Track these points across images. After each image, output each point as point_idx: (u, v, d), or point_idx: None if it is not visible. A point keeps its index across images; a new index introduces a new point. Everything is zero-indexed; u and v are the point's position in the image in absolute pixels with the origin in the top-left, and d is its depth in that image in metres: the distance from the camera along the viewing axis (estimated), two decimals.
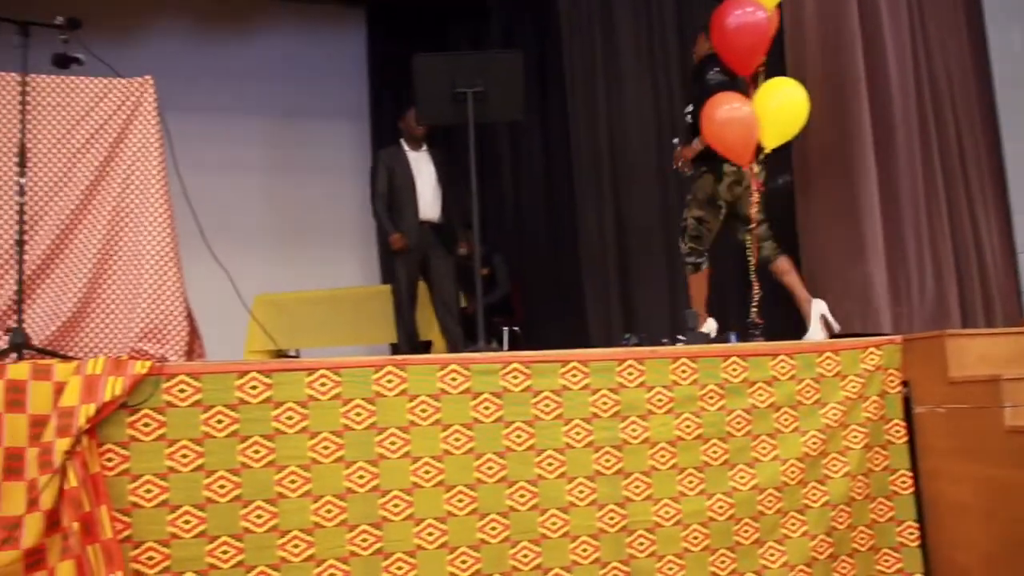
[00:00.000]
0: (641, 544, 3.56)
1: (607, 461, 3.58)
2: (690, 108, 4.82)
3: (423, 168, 5.57)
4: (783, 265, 4.66)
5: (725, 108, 4.48)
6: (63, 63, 3.56)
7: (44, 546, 2.94)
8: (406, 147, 5.62)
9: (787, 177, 5.09)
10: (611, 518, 3.54)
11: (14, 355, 3.24)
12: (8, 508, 2.92)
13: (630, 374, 3.66)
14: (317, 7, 7.84)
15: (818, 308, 4.51)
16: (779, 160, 4.87)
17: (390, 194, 5.57)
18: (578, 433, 3.56)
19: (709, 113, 4.50)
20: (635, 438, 3.62)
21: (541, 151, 7.00)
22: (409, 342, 5.53)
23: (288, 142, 7.74)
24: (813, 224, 4.83)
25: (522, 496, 3.46)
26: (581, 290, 6.02)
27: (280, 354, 5.97)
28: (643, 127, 5.91)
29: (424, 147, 5.63)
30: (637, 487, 3.60)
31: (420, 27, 7.59)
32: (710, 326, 4.69)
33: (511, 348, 6.31)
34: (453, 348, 5.45)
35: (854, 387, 3.95)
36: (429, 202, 5.57)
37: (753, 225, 4.60)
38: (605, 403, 3.61)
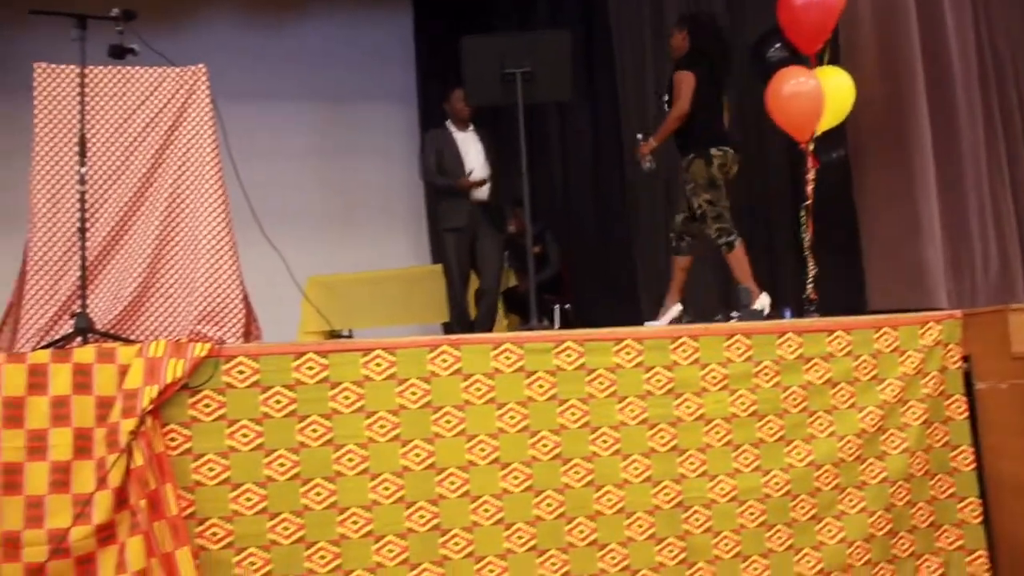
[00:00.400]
0: (697, 520, 3.56)
1: (662, 438, 3.57)
2: (667, 97, 4.87)
3: (470, 148, 5.56)
4: (681, 262, 4.88)
5: (792, 82, 4.45)
6: (119, 54, 3.63)
7: (114, 522, 3.04)
8: (452, 128, 5.62)
9: (841, 151, 5.01)
10: (666, 494, 3.55)
11: (79, 339, 3.33)
12: (80, 485, 3.02)
13: (684, 351, 3.65)
14: None
15: (673, 311, 4.75)
16: (832, 134, 4.80)
17: (439, 175, 5.58)
18: (632, 410, 3.56)
19: (775, 88, 4.46)
20: (690, 415, 3.61)
21: (590, 130, 6.96)
22: (460, 322, 5.55)
23: (337, 126, 7.80)
24: (869, 200, 4.75)
25: (577, 473, 3.48)
26: (632, 268, 5.99)
27: (333, 334, 6.04)
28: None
29: (471, 127, 5.62)
30: (692, 464, 3.59)
31: (467, 9, 7.58)
32: (763, 301, 4.65)
33: (562, 326, 6.31)
34: (481, 325, 5.45)
35: (913, 363, 3.89)
36: (482, 185, 5.56)
37: (808, 201, 4.56)
38: (659, 380, 3.60)
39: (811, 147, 4.56)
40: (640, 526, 3.51)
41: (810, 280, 4.58)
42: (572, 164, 7.21)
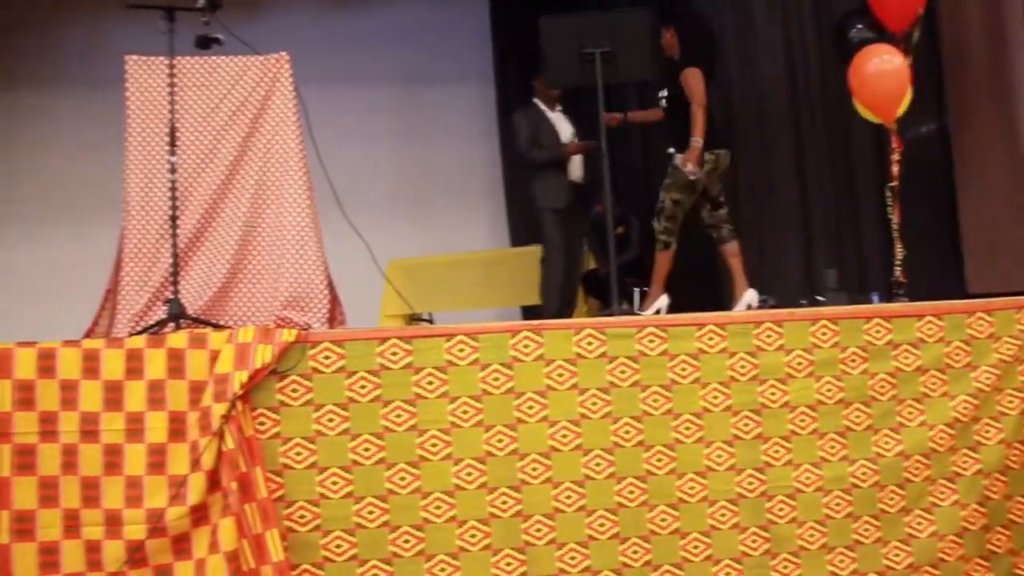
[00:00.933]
0: (781, 510, 3.50)
1: (745, 426, 3.52)
2: (664, 93, 4.96)
3: (563, 128, 5.50)
4: (732, 248, 5.01)
5: (875, 60, 4.32)
6: (205, 44, 3.71)
7: (207, 503, 3.13)
8: (542, 107, 5.55)
9: (932, 125, 4.85)
10: (750, 483, 3.50)
11: (172, 324, 3.43)
12: (175, 467, 3.12)
13: (768, 337, 3.58)
14: None
15: (748, 297, 4.78)
16: (922, 107, 4.64)
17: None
18: (716, 397, 3.51)
19: (858, 67, 4.34)
20: (774, 402, 3.55)
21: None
22: (567, 304, 5.54)
23: (415, 108, 7.83)
24: (968, 171, 4.56)
25: (660, 460, 3.45)
26: (711, 251, 5.89)
27: (414, 318, 6.10)
28: (775, 79, 5.70)
29: (559, 107, 5.55)
30: (776, 452, 3.53)
31: None
32: (662, 302, 4.94)
33: (643, 309, 6.25)
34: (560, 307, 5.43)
35: (1009, 349, 3.75)
36: (575, 162, 5.52)
37: (894, 182, 4.44)
38: (743, 367, 3.54)
39: (895, 127, 4.42)
40: (723, 515, 3.47)
41: (898, 263, 4.45)
42: (652, 145, 7.11)
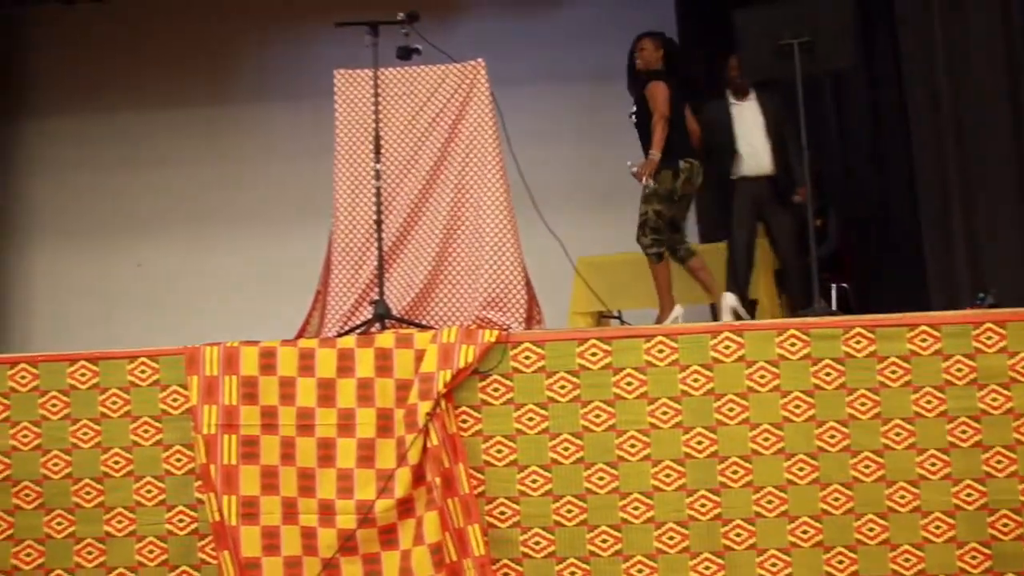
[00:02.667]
0: (1006, 526, 3.25)
1: (963, 433, 3.30)
2: (633, 109, 4.84)
3: (747, 119, 5.31)
4: (698, 262, 5.06)
5: None
6: (406, 55, 3.87)
7: (413, 497, 3.27)
8: (731, 99, 5.38)
9: None
10: (968, 495, 3.27)
11: (378, 324, 3.59)
12: (383, 461, 3.28)
13: (989, 339, 3.33)
14: None
15: (727, 301, 4.81)
16: None
17: (707, 152, 5.42)
18: (929, 402, 3.31)
19: None
20: (996, 408, 3.30)
21: (867, 96, 6.52)
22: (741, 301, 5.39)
23: (601, 105, 7.79)
24: None
25: (867, 467, 3.30)
26: (918, 245, 5.56)
27: (604, 316, 6.10)
28: (992, 60, 5.28)
29: (751, 96, 5.35)
30: (999, 463, 3.27)
31: None
32: (678, 311, 4.86)
33: (840, 307, 5.99)
34: (791, 308, 5.25)
35: None
36: (758, 154, 5.31)
37: None
38: (960, 370, 3.32)
39: None
40: (938, 527, 3.27)
41: None
42: (849, 137, 6.80)
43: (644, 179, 4.64)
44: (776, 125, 5.23)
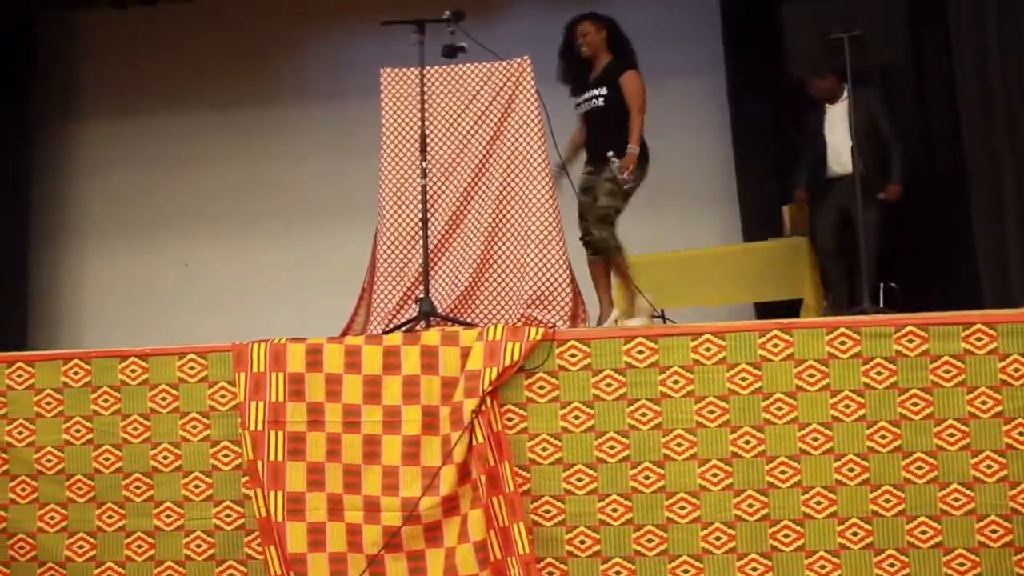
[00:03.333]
0: None
1: (1020, 434, 3.22)
2: (602, 92, 4.56)
3: (837, 123, 5.27)
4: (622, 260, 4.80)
5: None
6: (451, 53, 3.88)
7: (458, 494, 3.27)
8: (826, 104, 5.36)
9: None
10: None
11: (423, 322, 3.59)
12: (428, 459, 3.28)
13: None
14: None
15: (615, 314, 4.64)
16: None
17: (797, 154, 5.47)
18: (984, 403, 3.24)
19: None
20: None
21: (914, 92, 6.40)
22: (839, 300, 5.34)
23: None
24: None
25: (919, 468, 3.23)
26: (970, 244, 5.45)
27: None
28: None
29: (843, 97, 5.26)
30: None
31: None
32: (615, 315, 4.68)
33: (888, 306, 5.90)
34: (837, 307, 5.18)
35: None
36: (839, 154, 5.27)
37: None
38: (1016, 370, 3.24)
39: None
40: (994, 531, 3.19)
41: None
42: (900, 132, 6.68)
43: (626, 176, 4.53)
44: (868, 123, 5.15)
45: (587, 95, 4.58)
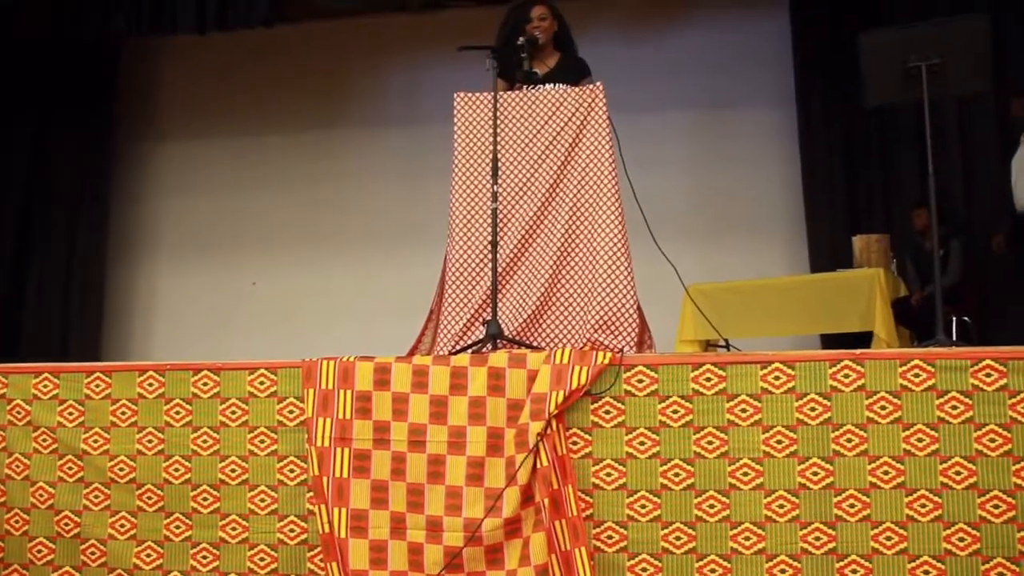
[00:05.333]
0: None
1: None
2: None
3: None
4: None
5: None
6: (525, 79, 3.90)
7: (520, 517, 3.26)
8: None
9: None
10: None
11: (490, 344, 3.61)
12: (492, 480, 3.28)
13: None
14: None
15: None
16: None
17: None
18: None
19: None
20: None
21: (995, 122, 6.28)
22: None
23: (713, 133, 7.76)
24: None
25: (996, 507, 3.13)
26: None
27: (711, 344, 6.02)
28: None
29: None
30: None
31: (846, 4, 7.20)
32: None
33: (960, 340, 5.77)
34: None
35: None
36: None
37: None
38: None
39: None
40: None
41: None
42: (975, 160, 6.55)
43: None
44: None
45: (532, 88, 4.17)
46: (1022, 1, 5.33)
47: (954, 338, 5.83)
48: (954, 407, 3.18)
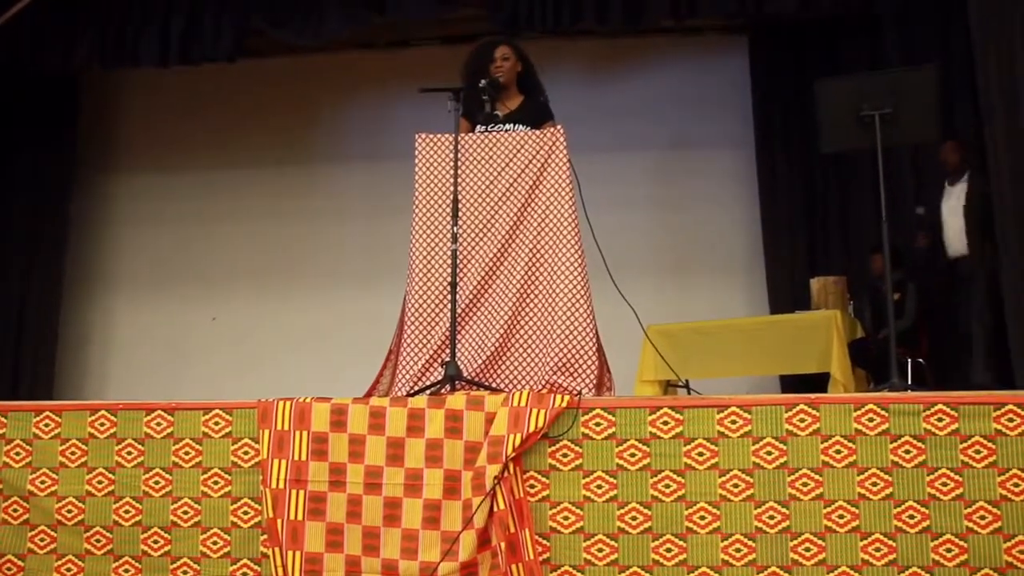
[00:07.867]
0: None
1: None
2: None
3: (952, 200, 5.43)
4: None
5: None
6: (486, 121, 3.93)
7: (476, 560, 3.23)
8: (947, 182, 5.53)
9: None
10: None
11: (448, 386, 3.59)
12: (448, 523, 3.25)
13: None
14: (698, 39, 7.90)
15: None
16: None
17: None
18: (1016, 485, 3.17)
19: None
20: None
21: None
22: None
23: (673, 174, 7.85)
24: None
25: (949, 551, 3.16)
26: (1001, 325, 5.40)
27: (671, 385, 6.04)
28: None
29: (962, 179, 5.47)
30: None
31: (804, 51, 7.37)
32: None
33: (915, 382, 5.85)
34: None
35: None
36: (955, 235, 5.46)
37: None
38: None
39: None
40: None
41: None
42: (929, 208, 6.68)
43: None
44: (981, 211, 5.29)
45: (493, 129, 4.11)
46: (970, 52, 5.46)
47: (909, 381, 5.91)
48: (907, 451, 3.22)
